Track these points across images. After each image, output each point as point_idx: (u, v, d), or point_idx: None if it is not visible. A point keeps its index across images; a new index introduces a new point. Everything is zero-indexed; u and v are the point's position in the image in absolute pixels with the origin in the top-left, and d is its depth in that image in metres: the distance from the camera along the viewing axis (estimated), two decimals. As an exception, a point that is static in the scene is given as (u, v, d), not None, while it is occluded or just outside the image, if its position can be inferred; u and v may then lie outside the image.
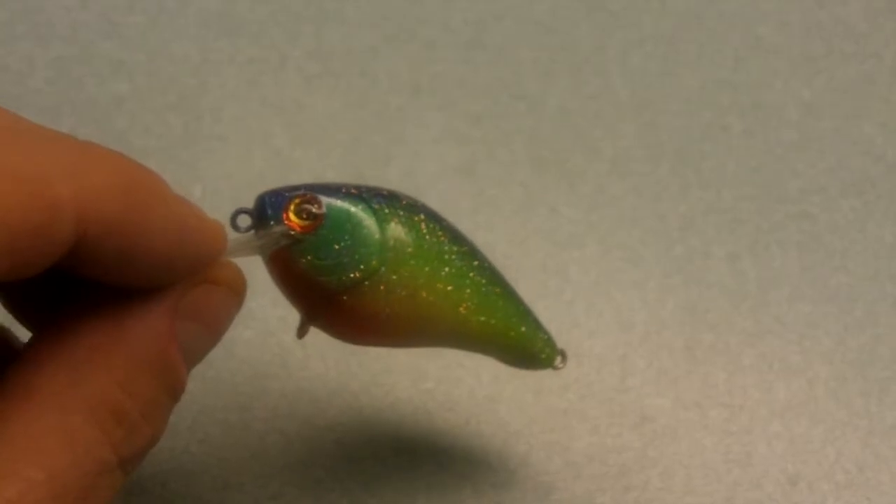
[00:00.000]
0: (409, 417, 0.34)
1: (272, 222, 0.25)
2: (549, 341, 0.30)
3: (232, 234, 0.25)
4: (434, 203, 0.36)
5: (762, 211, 0.40)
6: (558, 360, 0.30)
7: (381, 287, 0.26)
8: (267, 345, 0.35)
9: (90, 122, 0.40)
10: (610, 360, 0.36)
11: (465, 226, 0.40)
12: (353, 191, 0.26)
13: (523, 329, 0.29)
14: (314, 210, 0.25)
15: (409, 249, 0.27)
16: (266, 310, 0.35)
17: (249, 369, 0.35)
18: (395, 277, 0.26)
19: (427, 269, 0.27)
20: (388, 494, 0.33)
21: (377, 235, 0.26)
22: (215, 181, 0.39)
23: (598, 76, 0.43)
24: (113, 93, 0.41)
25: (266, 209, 0.25)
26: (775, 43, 0.44)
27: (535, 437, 0.34)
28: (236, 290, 0.25)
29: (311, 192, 0.26)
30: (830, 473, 0.34)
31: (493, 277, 0.28)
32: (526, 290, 0.37)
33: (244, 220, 0.26)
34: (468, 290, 0.28)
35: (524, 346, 0.29)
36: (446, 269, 0.27)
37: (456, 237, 0.28)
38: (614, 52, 0.44)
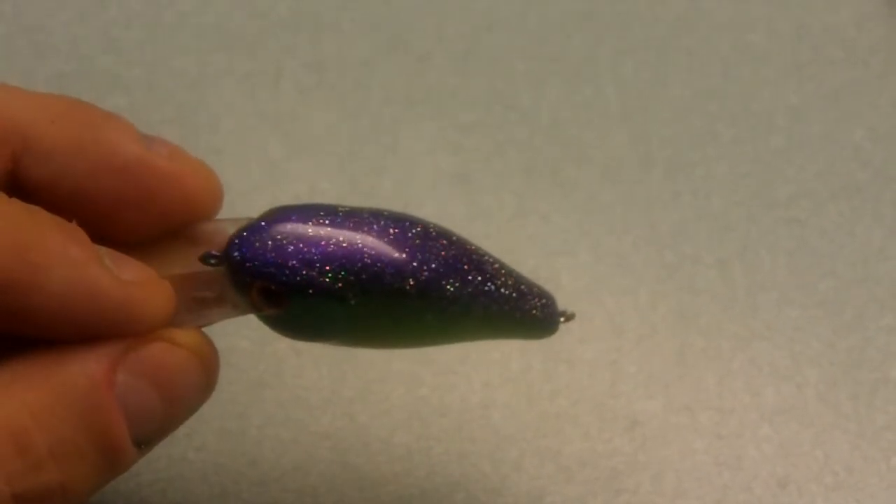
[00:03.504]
0: (402, 424, 0.35)
1: (236, 289, 0.24)
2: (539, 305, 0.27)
3: (192, 310, 0.24)
4: (428, 212, 0.36)
5: (751, 217, 0.40)
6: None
7: (343, 342, 0.25)
8: (262, 354, 0.36)
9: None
10: (601, 366, 0.36)
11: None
12: (328, 278, 0.23)
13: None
14: (276, 297, 0.23)
15: (383, 321, 0.25)
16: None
17: (246, 378, 0.35)
18: (360, 339, 0.26)
19: (399, 331, 0.25)
20: (382, 500, 0.33)
21: (343, 320, 0.24)
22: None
23: (589, 85, 0.43)
24: (111, 107, 0.41)
25: (234, 276, 0.24)
26: (764, 50, 0.45)
27: (527, 442, 0.35)
28: (201, 357, 0.23)
29: (280, 280, 0.23)
30: (820, 476, 0.35)
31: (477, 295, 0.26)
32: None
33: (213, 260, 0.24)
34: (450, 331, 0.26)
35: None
36: (426, 329, 0.25)
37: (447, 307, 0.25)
38: (605, 61, 0.44)
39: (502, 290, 0.26)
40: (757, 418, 0.36)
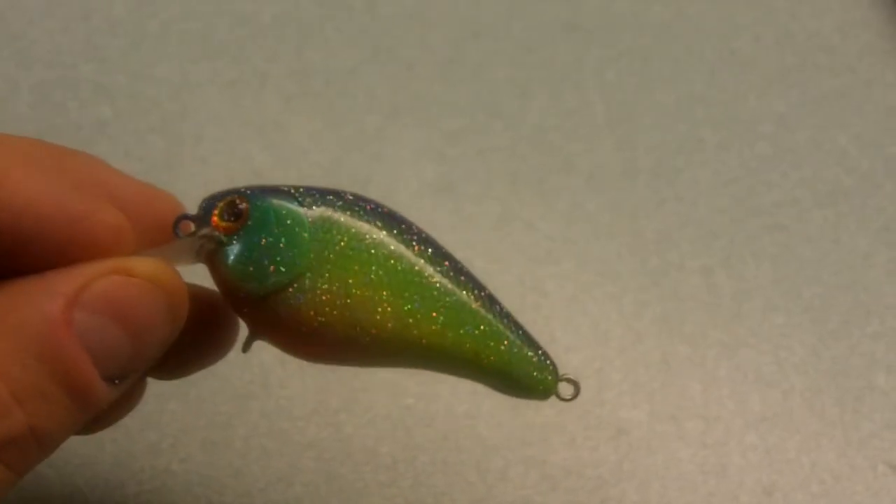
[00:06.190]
0: (387, 433, 0.35)
1: (201, 225, 0.24)
2: (544, 364, 0.25)
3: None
4: (413, 220, 0.36)
5: (736, 223, 0.40)
6: (561, 387, 0.26)
7: (309, 293, 0.24)
8: (247, 364, 0.36)
9: (72, 146, 0.41)
10: (586, 374, 0.36)
11: (443, 242, 0.40)
12: (290, 190, 0.25)
13: (503, 348, 0.25)
14: (238, 208, 0.24)
15: (349, 252, 0.24)
16: (246, 330, 0.36)
17: (230, 388, 0.35)
18: (325, 286, 0.24)
19: (369, 275, 0.24)
20: (367, 510, 0.33)
21: (305, 234, 0.24)
22: (197, 203, 0.40)
23: (574, 93, 0.43)
24: (95, 116, 0.42)
25: (200, 212, 0.25)
26: (749, 56, 0.45)
27: (512, 451, 0.35)
28: (161, 285, 0.23)
29: (243, 193, 0.25)
30: (806, 483, 0.35)
31: (465, 287, 0.25)
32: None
33: (187, 227, 0.25)
34: (426, 302, 0.25)
35: (508, 369, 0.25)
36: (398, 277, 0.24)
37: (418, 240, 0.26)
38: (590, 68, 0.44)
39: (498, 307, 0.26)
40: (742, 426, 0.36)
